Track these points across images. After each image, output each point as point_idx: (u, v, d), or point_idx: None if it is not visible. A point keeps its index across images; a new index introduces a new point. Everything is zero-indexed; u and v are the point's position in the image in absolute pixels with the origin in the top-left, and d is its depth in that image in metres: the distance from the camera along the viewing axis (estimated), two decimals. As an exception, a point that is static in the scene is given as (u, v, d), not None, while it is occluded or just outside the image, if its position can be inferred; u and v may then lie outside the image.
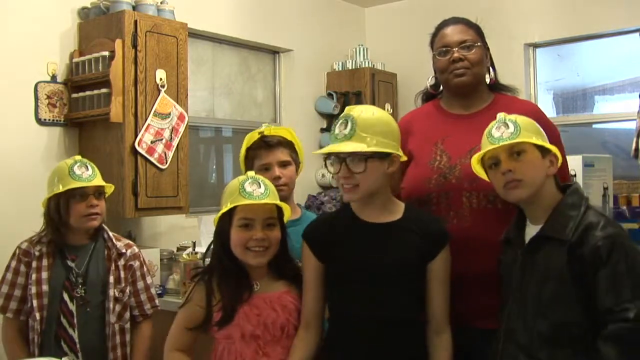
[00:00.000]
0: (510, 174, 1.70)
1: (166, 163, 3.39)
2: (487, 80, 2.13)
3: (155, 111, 3.34)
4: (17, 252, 2.36)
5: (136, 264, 2.46)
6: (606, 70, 4.81)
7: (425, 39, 2.21)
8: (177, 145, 3.46)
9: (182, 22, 3.56)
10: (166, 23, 3.46)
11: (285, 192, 2.21)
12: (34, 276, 2.30)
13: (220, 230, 1.92)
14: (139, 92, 3.29)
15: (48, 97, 3.36)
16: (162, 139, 3.37)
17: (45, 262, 2.32)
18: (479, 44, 2.07)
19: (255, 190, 1.85)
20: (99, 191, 2.37)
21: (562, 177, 1.87)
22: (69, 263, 2.34)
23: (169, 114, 3.41)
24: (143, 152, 3.28)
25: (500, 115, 1.76)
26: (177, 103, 3.46)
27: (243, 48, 4.62)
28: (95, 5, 3.46)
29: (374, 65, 5.04)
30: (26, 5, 3.30)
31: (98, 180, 2.35)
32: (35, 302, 2.28)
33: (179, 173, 3.48)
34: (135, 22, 3.29)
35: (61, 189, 2.28)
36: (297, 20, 4.84)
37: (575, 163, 3.06)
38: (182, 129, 3.48)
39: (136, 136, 3.26)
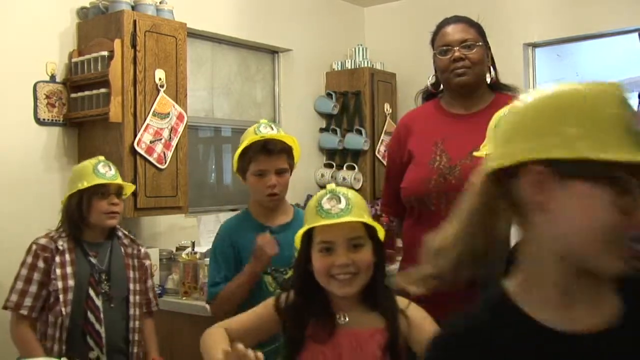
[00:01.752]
0: None
1: (165, 163, 3.39)
2: (488, 80, 2.12)
3: (154, 111, 3.34)
4: (34, 247, 2.35)
5: (147, 262, 2.59)
6: (606, 70, 4.81)
7: (425, 38, 2.20)
8: (176, 145, 3.45)
9: (181, 22, 3.55)
10: (165, 23, 3.45)
11: (276, 199, 2.21)
12: (58, 271, 2.31)
13: (301, 254, 1.68)
14: (138, 92, 3.28)
15: (47, 97, 3.35)
16: (161, 139, 3.36)
17: (68, 257, 2.35)
18: (480, 43, 2.06)
19: (334, 206, 1.59)
20: (119, 191, 2.46)
21: None
22: (92, 259, 2.39)
23: (168, 113, 3.41)
24: (142, 152, 3.27)
25: None
26: (176, 103, 3.45)
27: (242, 48, 4.61)
28: (94, 5, 3.45)
29: (373, 65, 5.02)
30: (25, 5, 3.29)
31: (120, 180, 2.45)
32: (61, 297, 2.29)
33: (178, 173, 3.47)
34: (135, 22, 3.28)
35: (85, 185, 2.35)
36: (297, 20, 4.83)
37: (575, 163, 3.05)
38: (181, 128, 3.47)
39: (135, 136, 3.25)
